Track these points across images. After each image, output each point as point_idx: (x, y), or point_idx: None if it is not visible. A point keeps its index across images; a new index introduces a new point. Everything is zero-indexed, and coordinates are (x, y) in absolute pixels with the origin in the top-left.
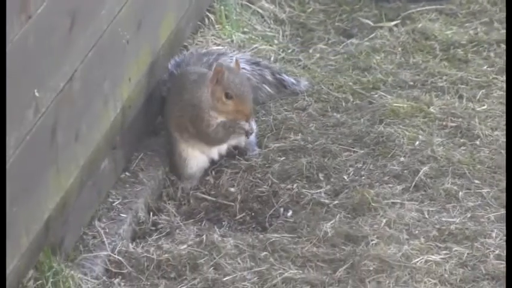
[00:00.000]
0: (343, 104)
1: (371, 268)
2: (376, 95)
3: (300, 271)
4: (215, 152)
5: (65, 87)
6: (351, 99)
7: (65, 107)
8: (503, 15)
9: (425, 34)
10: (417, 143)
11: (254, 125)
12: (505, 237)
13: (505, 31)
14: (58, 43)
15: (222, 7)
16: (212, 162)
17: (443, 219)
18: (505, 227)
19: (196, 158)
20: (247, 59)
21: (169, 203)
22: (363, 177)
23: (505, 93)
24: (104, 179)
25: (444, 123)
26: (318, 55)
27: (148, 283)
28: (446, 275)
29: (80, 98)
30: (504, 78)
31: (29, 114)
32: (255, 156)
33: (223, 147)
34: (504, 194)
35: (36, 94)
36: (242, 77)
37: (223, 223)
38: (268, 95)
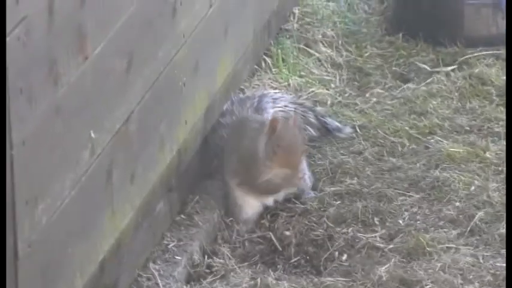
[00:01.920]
0: (399, 148)
1: None
2: (432, 140)
3: None
4: (271, 199)
5: (121, 128)
6: (407, 144)
7: (121, 148)
8: None
9: (482, 79)
10: (473, 188)
11: (307, 170)
12: None
13: None
14: (115, 84)
15: (279, 50)
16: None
17: (498, 264)
18: None
19: (251, 204)
20: (291, 99)
21: (224, 246)
22: (418, 222)
23: None
24: (159, 221)
25: (500, 168)
26: (374, 99)
27: None
28: None
29: (135, 140)
30: None
31: (85, 155)
32: (310, 200)
33: (279, 195)
34: None
35: (92, 135)
36: (295, 129)
37: (278, 266)
38: (311, 138)
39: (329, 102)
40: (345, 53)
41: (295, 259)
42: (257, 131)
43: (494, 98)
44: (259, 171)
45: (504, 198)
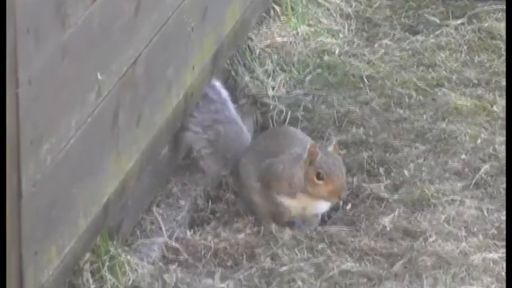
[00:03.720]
0: (407, 99)
1: (428, 264)
2: (439, 92)
3: (357, 264)
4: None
5: (128, 71)
6: (414, 95)
7: (128, 90)
8: None
9: (491, 33)
10: (479, 141)
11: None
12: None
13: None
14: (122, 27)
15: None
16: None
17: (503, 217)
18: None
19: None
20: None
21: (228, 192)
22: (424, 173)
23: None
24: (164, 165)
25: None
26: (382, 50)
27: (205, 271)
28: (503, 273)
29: (142, 83)
30: None
31: (91, 97)
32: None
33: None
34: None
35: (99, 77)
36: (336, 158)
37: None
38: None
39: (337, 52)
40: (354, 3)
41: None
42: (296, 158)
43: (503, 52)
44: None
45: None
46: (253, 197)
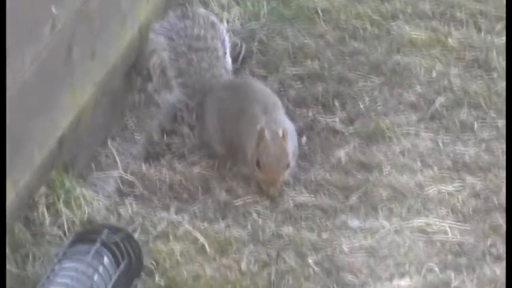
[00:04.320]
0: (361, 32)
1: (384, 196)
2: (394, 25)
3: (312, 197)
4: None
5: (82, 4)
6: (369, 28)
7: (82, 24)
8: None
9: None
10: (434, 73)
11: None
12: None
13: None
14: None
15: None
16: None
17: (458, 149)
18: None
19: None
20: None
21: (183, 125)
22: (379, 106)
23: None
24: (119, 99)
25: (462, 55)
26: None
27: (160, 204)
28: (459, 205)
29: (97, 16)
30: None
31: (46, 31)
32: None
33: None
34: None
35: (53, 11)
36: (279, 148)
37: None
38: None
39: None
40: None
41: None
42: (252, 127)
43: None
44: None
45: (465, 84)
46: (215, 148)
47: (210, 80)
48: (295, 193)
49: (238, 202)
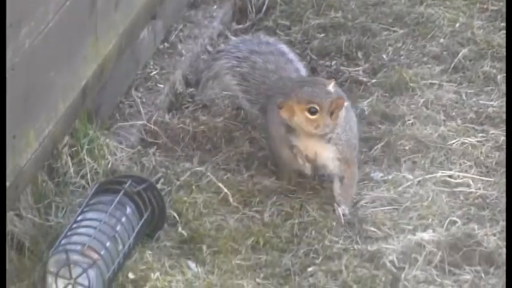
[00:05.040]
0: None
1: (407, 147)
2: None
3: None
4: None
5: None
6: None
7: None
8: None
9: None
10: (457, 25)
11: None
12: None
13: None
14: None
15: None
16: None
17: (481, 101)
18: None
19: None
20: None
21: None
22: (402, 57)
23: None
24: (143, 49)
25: (485, 6)
26: None
27: (183, 154)
28: (482, 158)
29: None
30: None
31: None
32: None
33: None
34: None
35: None
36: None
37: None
38: None
39: None
40: None
41: None
42: None
43: None
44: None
45: (488, 36)
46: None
47: (277, 82)
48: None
49: (262, 153)
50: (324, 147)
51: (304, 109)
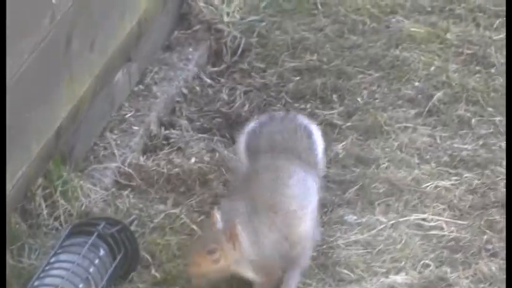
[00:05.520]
0: (360, 26)
1: (381, 191)
2: (393, 19)
3: None
4: None
5: None
6: (368, 22)
7: (82, 16)
8: None
9: None
10: (432, 68)
11: None
12: None
13: None
14: None
15: None
16: None
17: (455, 145)
18: None
19: None
20: None
21: (182, 118)
22: (377, 100)
23: None
24: (118, 91)
25: (460, 50)
26: None
27: (158, 196)
28: (455, 201)
29: (96, 8)
30: None
31: (45, 22)
32: None
33: None
34: None
35: (53, 1)
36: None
37: (236, 140)
38: None
39: None
40: None
41: None
42: None
43: None
44: None
45: (463, 79)
46: None
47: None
48: None
49: None
50: (238, 269)
51: (204, 254)
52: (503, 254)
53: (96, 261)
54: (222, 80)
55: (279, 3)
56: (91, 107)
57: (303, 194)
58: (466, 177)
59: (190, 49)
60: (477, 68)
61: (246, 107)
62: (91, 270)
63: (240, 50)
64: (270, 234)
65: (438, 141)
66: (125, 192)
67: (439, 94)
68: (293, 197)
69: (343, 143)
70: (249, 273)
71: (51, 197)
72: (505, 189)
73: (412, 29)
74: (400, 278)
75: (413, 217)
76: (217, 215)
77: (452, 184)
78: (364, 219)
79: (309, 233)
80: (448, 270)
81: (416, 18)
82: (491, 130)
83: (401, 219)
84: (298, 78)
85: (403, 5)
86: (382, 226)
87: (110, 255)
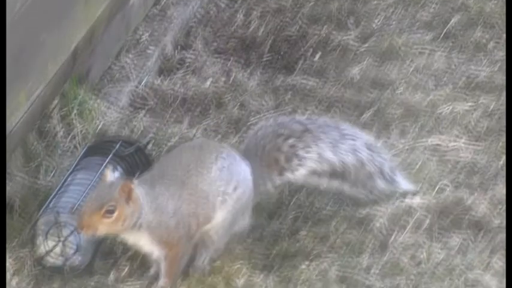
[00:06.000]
0: None
1: (396, 114)
2: None
3: (325, 113)
4: None
5: None
6: None
7: None
8: None
9: None
10: None
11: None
12: None
13: None
14: None
15: None
16: None
17: (471, 69)
18: None
19: None
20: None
21: (197, 40)
22: (393, 24)
23: None
24: (133, 13)
25: None
26: None
27: (173, 118)
28: (471, 125)
29: None
30: None
31: None
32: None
33: None
34: None
35: None
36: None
37: (251, 62)
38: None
39: None
40: None
41: (268, 56)
42: None
43: None
44: None
45: (480, 4)
46: None
47: None
48: (308, 109)
49: (251, 118)
50: (137, 235)
51: (101, 216)
52: None
53: None
54: (238, 3)
55: None
56: (106, 29)
57: (225, 181)
58: (482, 101)
59: None
60: None
61: (262, 30)
62: None
63: None
64: (171, 202)
65: (454, 65)
66: (141, 113)
67: (455, 18)
68: (209, 178)
69: (359, 66)
70: (147, 245)
71: (67, 117)
72: None
73: None
74: (416, 201)
75: (429, 141)
76: (110, 172)
77: (468, 108)
78: (380, 143)
79: (225, 222)
80: (465, 193)
81: None
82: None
83: (417, 143)
84: (314, 1)
85: None
86: (397, 149)
87: (126, 175)
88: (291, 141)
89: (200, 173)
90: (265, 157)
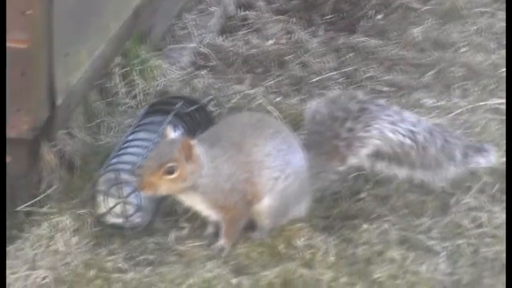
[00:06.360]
0: None
1: (458, 75)
2: None
3: (387, 74)
4: None
5: None
6: None
7: None
8: None
9: None
10: None
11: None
12: None
13: None
14: None
15: None
16: None
17: None
18: None
19: None
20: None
21: (259, 0)
22: None
23: None
24: None
25: None
26: None
27: (235, 77)
28: None
29: None
30: None
31: None
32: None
33: None
34: None
35: None
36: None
37: (313, 22)
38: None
39: None
40: None
41: (330, 16)
42: None
43: None
44: None
45: None
46: None
47: None
48: (370, 69)
49: (313, 77)
50: (194, 199)
51: (160, 175)
52: None
53: None
54: None
55: None
56: None
57: (278, 168)
58: None
59: None
60: None
61: None
62: None
63: None
64: (227, 166)
65: None
66: (202, 72)
67: None
68: (264, 151)
69: (421, 27)
70: (203, 206)
71: (128, 75)
72: None
73: None
74: (482, 163)
75: (491, 101)
76: (171, 131)
77: None
78: (441, 103)
79: (272, 209)
80: None
81: None
82: None
83: (479, 104)
84: None
85: None
86: (459, 110)
87: (188, 134)
88: (348, 124)
89: (255, 143)
90: (324, 146)
